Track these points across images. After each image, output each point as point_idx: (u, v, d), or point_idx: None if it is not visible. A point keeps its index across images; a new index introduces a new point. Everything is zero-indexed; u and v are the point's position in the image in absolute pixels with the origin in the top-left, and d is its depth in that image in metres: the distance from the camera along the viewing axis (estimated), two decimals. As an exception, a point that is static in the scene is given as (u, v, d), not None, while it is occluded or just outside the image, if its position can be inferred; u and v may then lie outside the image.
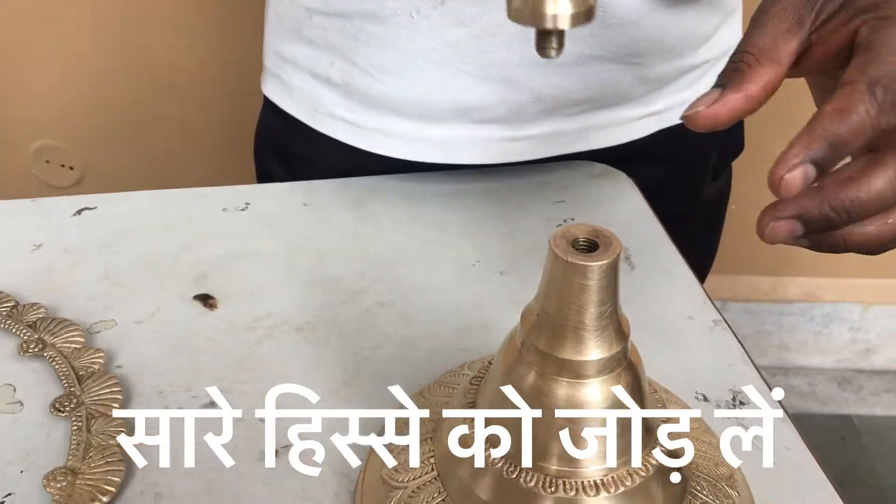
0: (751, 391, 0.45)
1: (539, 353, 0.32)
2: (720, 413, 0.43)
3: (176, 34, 1.12)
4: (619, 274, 0.32)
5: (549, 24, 0.30)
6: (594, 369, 0.32)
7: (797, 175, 0.31)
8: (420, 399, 0.41)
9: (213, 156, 1.21)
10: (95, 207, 0.58)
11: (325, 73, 0.60)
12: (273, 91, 0.64)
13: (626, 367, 0.33)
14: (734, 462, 0.39)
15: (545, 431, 0.32)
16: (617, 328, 0.32)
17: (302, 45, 0.61)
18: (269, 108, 0.66)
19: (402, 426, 0.39)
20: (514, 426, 0.33)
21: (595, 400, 0.32)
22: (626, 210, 0.59)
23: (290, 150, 0.66)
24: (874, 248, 0.36)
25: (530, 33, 0.32)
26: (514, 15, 0.31)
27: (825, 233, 0.35)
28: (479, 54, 0.56)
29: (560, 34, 0.31)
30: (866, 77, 0.32)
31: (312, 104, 0.61)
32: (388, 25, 0.56)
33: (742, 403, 0.44)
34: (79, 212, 0.57)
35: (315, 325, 0.49)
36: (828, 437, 1.46)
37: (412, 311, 0.50)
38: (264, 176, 0.70)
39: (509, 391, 0.33)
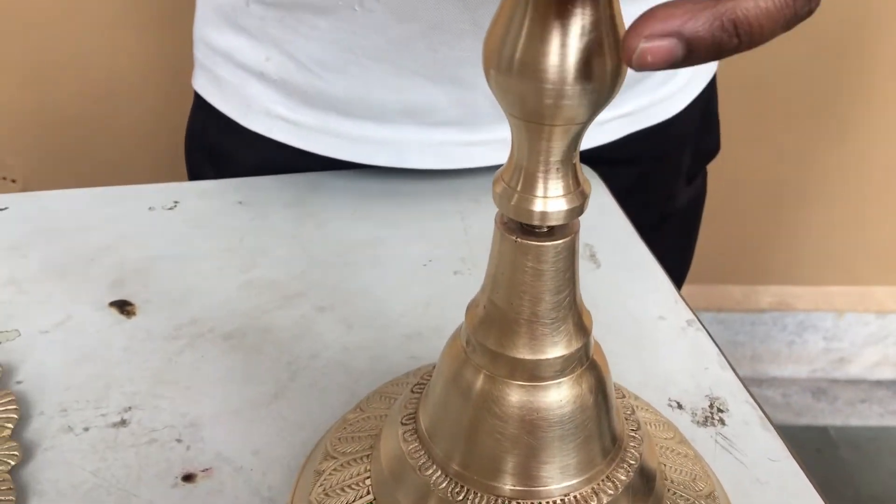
0: (730, 397, 0.40)
1: (488, 353, 0.27)
2: (697, 422, 0.39)
3: (113, 36, 1.07)
4: (577, 258, 0.27)
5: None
6: (552, 370, 0.27)
7: (665, 46, 0.21)
8: (357, 412, 0.35)
9: (164, 163, 1.16)
10: (6, 208, 0.52)
11: (259, 68, 0.54)
12: (202, 85, 0.59)
13: (589, 367, 0.28)
14: (714, 476, 0.34)
15: (496, 445, 0.28)
16: (577, 321, 0.27)
17: (235, 35, 0.55)
18: (199, 104, 0.60)
19: (336, 444, 0.34)
20: (459, 440, 0.28)
21: (553, 406, 0.27)
22: (591, 205, 0.54)
23: (220, 151, 0.60)
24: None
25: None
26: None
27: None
28: (427, 52, 0.51)
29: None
30: None
31: (245, 100, 0.56)
32: (330, 18, 0.51)
33: (720, 411, 0.39)
34: (-12, 213, 0.52)
35: (245, 332, 0.44)
36: (804, 449, 1.42)
37: (355, 316, 0.45)
38: (194, 179, 0.64)
39: (454, 398, 0.28)
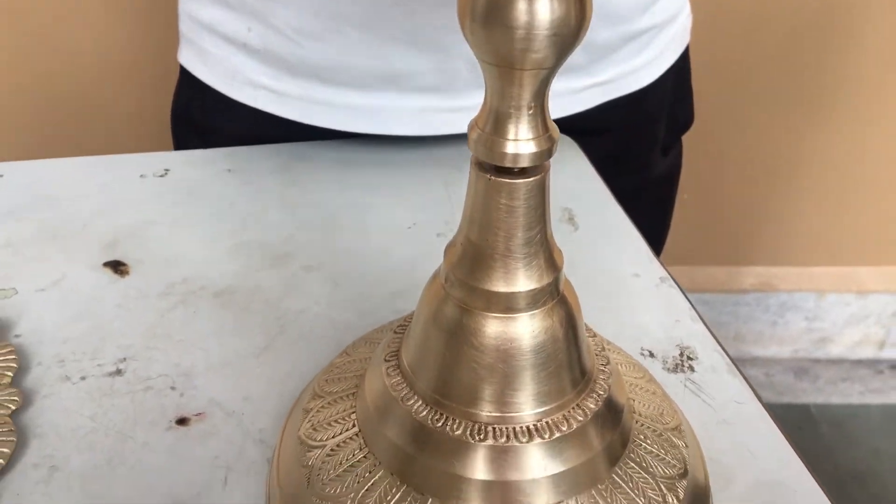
0: (699, 347, 0.42)
1: (465, 287, 0.29)
2: (667, 369, 0.41)
3: (99, 14, 1.07)
4: (547, 198, 0.29)
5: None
6: (524, 302, 0.29)
7: None
8: (344, 356, 0.37)
9: (150, 140, 1.16)
10: (1, 175, 0.53)
11: (241, 38, 0.56)
12: (188, 59, 0.60)
13: (560, 302, 0.30)
14: (681, 413, 0.36)
15: (473, 375, 0.29)
16: (548, 257, 0.29)
17: (217, 7, 0.56)
18: (185, 78, 0.62)
19: (323, 385, 0.35)
20: (439, 372, 0.30)
21: (527, 336, 0.29)
22: (569, 171, 0.56)
23: (207, 124, 0.61)
24: None
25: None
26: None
27: None
28: (405, 17, 0.52)
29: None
30: None
31: (230, 72, 0.57)
32: None
33: (690, 359, 0.41)
34: (-17, 180, 0.53)
35: (235, 290, 0.45)
36: (785, 426, 1.44)
37: (341, 275, 0.47)
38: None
39: (434, 332, 0.30)
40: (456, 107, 0.56)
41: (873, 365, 1.57)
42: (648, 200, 0.71)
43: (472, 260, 0.29)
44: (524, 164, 0.27)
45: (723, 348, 0.42)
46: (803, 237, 1.46)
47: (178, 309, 0.44)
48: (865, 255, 1.49)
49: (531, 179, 0.27)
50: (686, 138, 0.74)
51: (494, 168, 0.28)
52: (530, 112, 0.27)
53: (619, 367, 0.35)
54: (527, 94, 0.26)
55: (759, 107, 1.30)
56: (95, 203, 0.51)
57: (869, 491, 1.32)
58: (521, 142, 0.27)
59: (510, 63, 0.25)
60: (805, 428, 1.46)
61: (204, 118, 0.61)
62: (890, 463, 1.38)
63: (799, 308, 1.53)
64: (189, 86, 0.61)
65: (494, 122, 0.27)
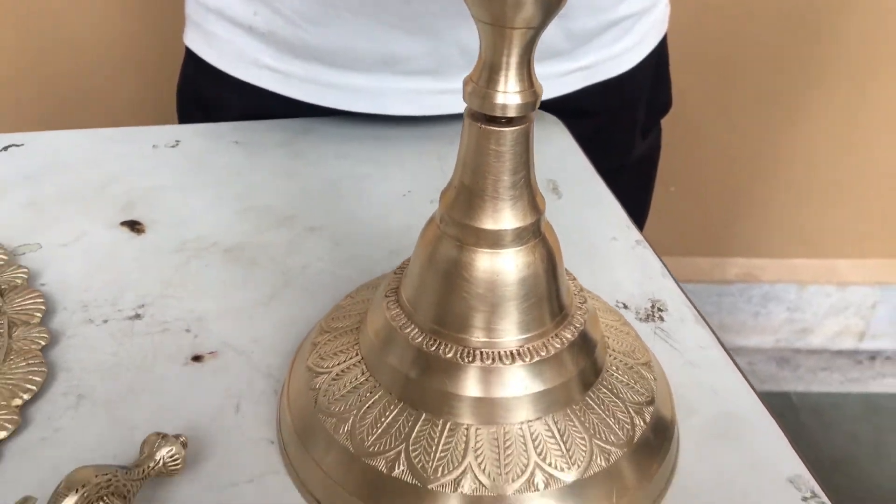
0: (669, 300, 0.46)
1: (458, 226, 0.33)
2: (639, 319, 0.44)
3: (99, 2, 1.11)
4: (531, 146, 0.32)
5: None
6: (510, 238, 0.32)
7: None
8: (348, 299, 0.41)
9: (152, 119, 1.20)
10: (22, 144, 0.57)
11: (248, 22, 0.60)
12: (194, 41, 0.64)
13: (541, 241, 0.33)
14: (651, 352, 0.40)
15: (465, 304, 0.33)
16: (531, 200, 0.33)
17: None
18: (191, 59, 0.65)
19: (329, 322, 0.39)
20: (435, 303, 0.34)
21: (512, 270, 0.33)
22: (554, 147, 0.60)
23: (210, 100, 0.65)
24: None
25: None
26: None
27: None
28: (401, 5, 0.56)
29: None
30: None
31: (236, 53, 0.61)
32: None
33: (660, 310, 0.45)
34: (5, 148, 0.56)
35: (244, 247, 0.49)
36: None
37: (342, 236, 0.50)
38: None
39: (430, 267, 0.33)
40: (447, 89, 0.60)
41: (853, 355, 1.61)
42: (629, 179, 0.75)
43: (464, 201, 0.33)
44: (511, 114, 0.31)
45: (691, 302, 0.46)
46: (785, 229, 1.50)
47: (192, 263, 0.47)
48: (845, 248, 1.53)
49: (517, 128, 0.31)
50: (672, 131, 0.78)
51: (485, 118, 0.31)
52: (518, 69, 0.30)
53: (597, 311, 0.39)
54: (516, 51, 0.30)
55: (744, 101, 1.34)
56: (111, 170, 0.55)
57: (847, 475, 1.36)
58: (509, 94, 0.30)
59: (502, 22, 0.29)
60: (786, 415, 1.50)
61: (209, 95, 0.65)
62: (867, 449, 1.42)
63: (781, 299, 1.57)
64: (195, 66, 0.65)
65: (487, 76, 0.31)
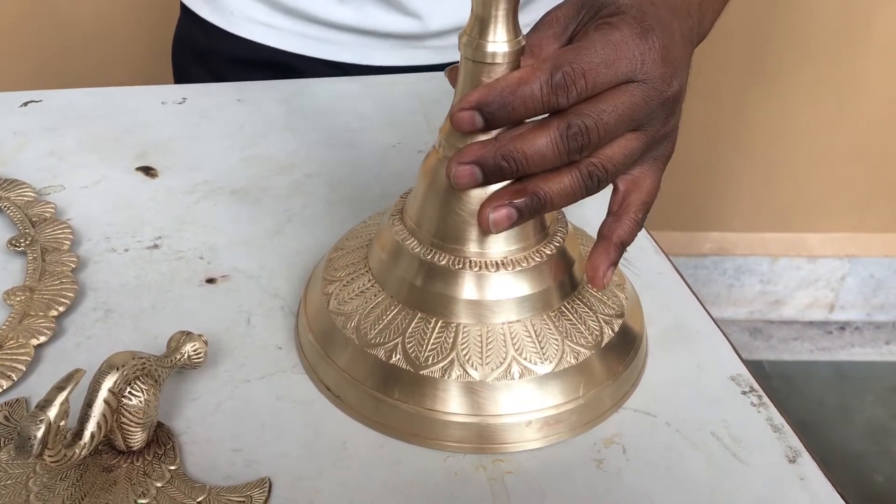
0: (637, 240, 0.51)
1: (455, 150, 0.37)
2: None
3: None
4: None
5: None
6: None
7: (466, 116, 0.35)
8: (361, 224, 0.46)
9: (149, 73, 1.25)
10: (41, 101, 0.62)
11: None
12: (191, 1, 0.70)
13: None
14: (624, 275, 0.45)
15: (460, 220, 0.38)
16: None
17: None
18: (187, 15, 0.72)
19: (343, 242, 0.44)
20: (434, 219, 0.39)
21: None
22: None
23: (207, 48, 0.71)
24: (570, 196, 0.36)
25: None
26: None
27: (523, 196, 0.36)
28: None
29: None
30: (555, 61, 0.35)
31: (229, 9, 0.68)
32: None
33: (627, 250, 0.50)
34: (25, 104, 0.61)
35: (248, 190, 0.54)
36: (739, 380, 1.54)
37: (338, 181, 0.55)
38: (183, 79, 0.75)
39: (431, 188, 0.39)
40: (430, 45, 0.67)
41: (823, 326, 1.67)
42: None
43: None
44: (500, 60, 0.36)
45: (651, 237, 0.51)
46: (756, 204, 1.56)
47: (202, 202, 0.52)
48: (814, 223, 1.59)
49: (506, 63, 0.36)
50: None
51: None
52: (505, 22, 0.36)
53: (579, 237, 0.44)
54: (502, 5, 0.35)
55: (718, 78, 1.39)
56: (124, 123, 0.60)
57: (814, 437, 1.43)
58: (498, 43, 0.36)
59: None
60: (758, 381, 1.56)
61: (204, 43, 0.71)
62: (832, 413, 1.49)
63: (754, 272, 1.63)
64: (189, 21, 0.72)
65: (479, 28, 0.36)
